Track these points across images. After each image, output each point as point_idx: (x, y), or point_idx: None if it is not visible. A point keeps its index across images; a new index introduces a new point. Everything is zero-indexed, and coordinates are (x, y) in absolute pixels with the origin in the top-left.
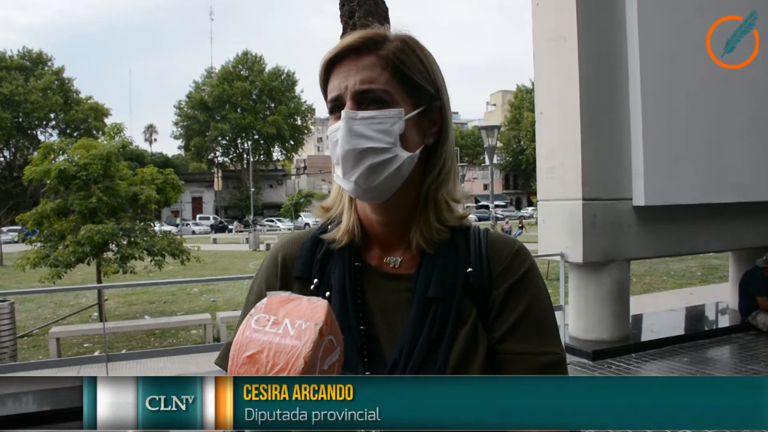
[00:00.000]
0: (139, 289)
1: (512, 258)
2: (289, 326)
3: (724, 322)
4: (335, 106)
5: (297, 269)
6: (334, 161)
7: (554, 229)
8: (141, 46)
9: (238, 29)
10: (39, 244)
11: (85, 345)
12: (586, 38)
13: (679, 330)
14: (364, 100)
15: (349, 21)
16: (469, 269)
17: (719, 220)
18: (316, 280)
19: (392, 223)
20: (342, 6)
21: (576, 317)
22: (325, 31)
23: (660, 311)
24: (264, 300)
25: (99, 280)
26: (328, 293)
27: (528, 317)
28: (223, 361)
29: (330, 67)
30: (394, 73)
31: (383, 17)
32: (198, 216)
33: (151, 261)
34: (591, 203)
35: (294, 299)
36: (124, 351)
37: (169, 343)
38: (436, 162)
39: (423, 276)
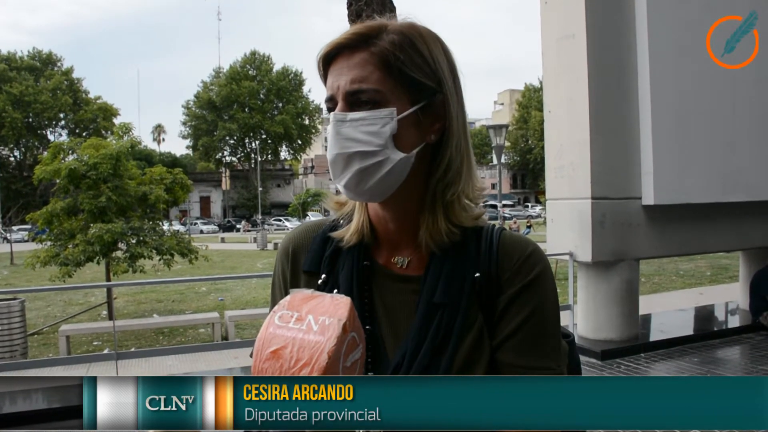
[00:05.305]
0: (147, 288)
1: (522, 263)
2: (313, 322)
3: (735, 322)
4: (330, 107)
5: (306, 263)
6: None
7: (563, 228)
8: (149, 47)
9: (245, 29)
10: (49, 243)
11: (95, 343)
12: (594, 36)
13: (688, 330)
14: (356, 100)
15: (356, 21)
16: (477, 274)
17: (729, 219)
18: (324, 276)
19: (401, 219)
20: (349, 6)
21: (585, 317)
22: (333, 31)
23: (669, 311)
24: (287, 297)
25: (108, 279)
26: (335, 290)
27: (526, 328)
28: None
29: (326, 63)
30: (388, 70)
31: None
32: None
33: (159, 260)
34: (600, 202)
35: (317, 296)
36: (133, 349)
37: (178, 342)
38: (441, 160)
39: (430, 280)
